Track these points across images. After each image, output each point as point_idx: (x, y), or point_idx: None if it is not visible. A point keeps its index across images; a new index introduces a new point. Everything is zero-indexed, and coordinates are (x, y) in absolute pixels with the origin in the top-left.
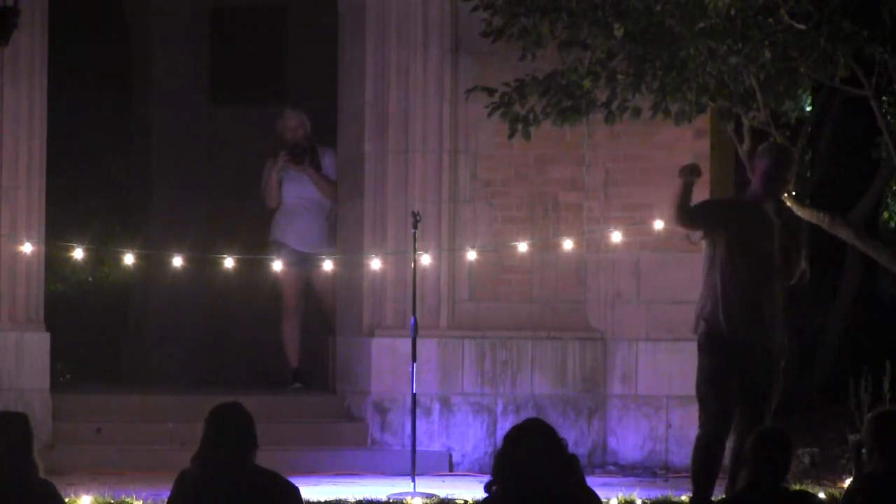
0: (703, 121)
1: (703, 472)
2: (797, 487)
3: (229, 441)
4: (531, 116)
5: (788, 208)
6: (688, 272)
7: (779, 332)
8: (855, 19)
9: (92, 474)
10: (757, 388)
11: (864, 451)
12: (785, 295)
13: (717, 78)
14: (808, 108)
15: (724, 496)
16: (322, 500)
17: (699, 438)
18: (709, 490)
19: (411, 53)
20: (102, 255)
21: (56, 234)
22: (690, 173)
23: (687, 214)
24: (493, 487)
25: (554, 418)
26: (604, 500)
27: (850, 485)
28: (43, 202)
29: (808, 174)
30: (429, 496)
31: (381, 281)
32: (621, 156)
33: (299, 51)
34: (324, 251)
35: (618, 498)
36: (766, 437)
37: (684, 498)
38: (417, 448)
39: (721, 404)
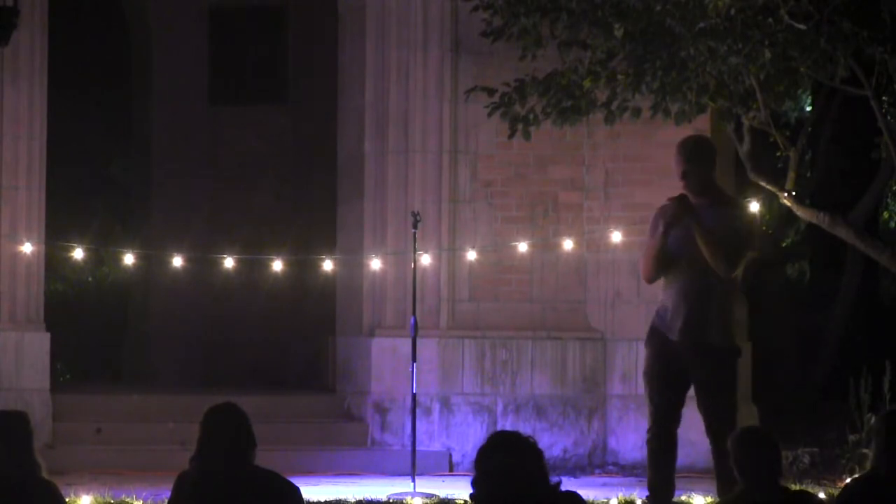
0: (703, 121)
1: (653, 469)
2: (797, 487)
3: (225, 442)
4: (531, 116)
5: (731, 198)
6: None
7: (717, 326)
8: (855, 19)
9: (92, 474)
10: (699, 384)
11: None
12: (785, 295)
13: (717, 78)
14: (808, 108)
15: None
16: (322, 500)
17: (647, 432)
18: (665, 483)
19: (411, 53)
20: (102, 255)
21: (56, 234)
22: (677, 213)
23: (664, 265)
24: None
25: (554, 418)
26: (603, 500)
27: (849, 482)
28: (43, 202)
29: (808, 174)
30: (429, 496)
31: (381, 281)
32: (621, 156)
33: (299, 51)
34: None
35: (618, 498)
36: (747, 438)
37: (684, 498)
38: (417, 448)
39: (660, 397)
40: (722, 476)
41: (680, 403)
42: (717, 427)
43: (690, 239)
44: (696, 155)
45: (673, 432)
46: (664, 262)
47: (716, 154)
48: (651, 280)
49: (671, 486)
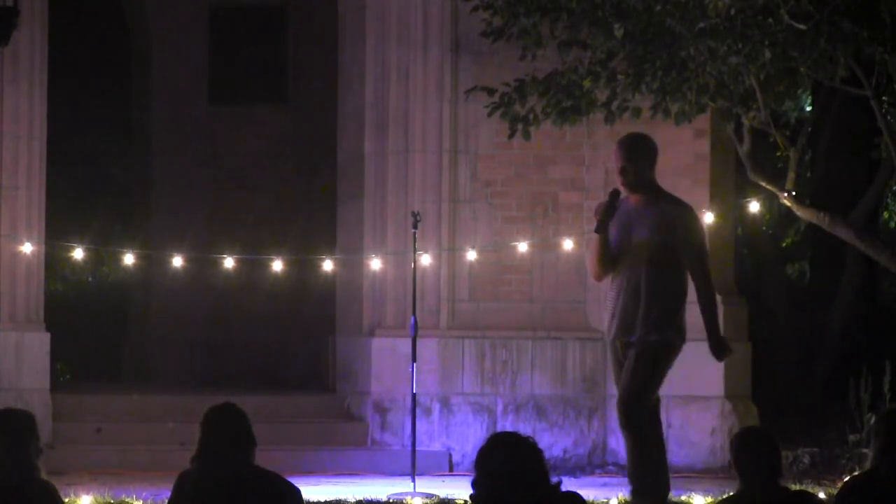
0: (703, 121)
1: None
2: (797, 487)
3: (226, 442)
4: (531, 116)
5: (665, 193)
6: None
7: (646, 322)
8: (855, 19)
9: (92, 474)
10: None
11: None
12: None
13: (717, 78)
14: (808, 108)
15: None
16: (322, 500)
17: None
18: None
19: (411, 53)
20: (102, 255)
21: (56, 234)
22: (608, 209)
23: (612, 261)
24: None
25: (554, 418)
26: (603, 499)
27: (848, 480)
28: (43, 202)
29: (808, 174)
30: (429, 496)
31: (381, 281)
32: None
33: (299, 51)
34: None
35: (618, 498)
36: (747, 438)
37: (684, 498)
38: (417, 448)
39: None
40: (628, 458)
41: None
42: (618, 411)
43: (624, 239)
44: (634, 152)
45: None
46: (608, 259)
47: (656, 153)
48: (599, 278)
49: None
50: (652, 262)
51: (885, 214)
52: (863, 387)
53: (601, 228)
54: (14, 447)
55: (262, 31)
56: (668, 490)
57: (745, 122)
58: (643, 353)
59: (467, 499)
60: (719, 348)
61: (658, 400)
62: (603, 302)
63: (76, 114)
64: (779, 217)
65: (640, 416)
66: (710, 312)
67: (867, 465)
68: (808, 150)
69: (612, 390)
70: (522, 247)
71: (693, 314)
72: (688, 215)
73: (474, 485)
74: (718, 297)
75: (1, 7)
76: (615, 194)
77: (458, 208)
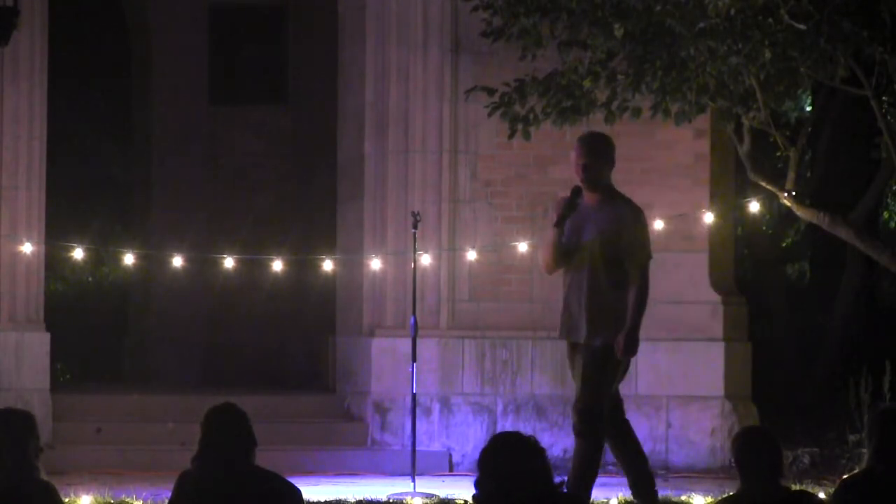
0: (703, 121)
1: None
2: (797, 487)
3: (226, 442)
4: (531, 116)
5: (619, 194)
6: (688, 272)
7: (590, 322)
8: (855, 19)
9: (92, 474)
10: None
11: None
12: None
13: (717, 78)
14: (808, 108)
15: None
16: (322, 500)
17: None
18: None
19: (411, 53)
20: (102, 255)
21: (56, 234)
22: (569, 204)
23: (564, 256)
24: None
25: (554, 418)
26: (603, 499)
27: (845, 478)
28: (43, 202)
29: (808, 174)
30: (429, 496)
31: (381, 281)
32: (621, 156)
33: (299, 51)
34: None
35: (618, 498)
36: (748, 438)
37: (684, 498)
38: (417, 448)
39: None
40: (575, 462)
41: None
42: (573, 416)
43: (574, 237)
44: (596, 151)
45: (616, 422)
46: (561, 253)
47: (614, 153)
48: (550, 271)
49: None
50: (597, 262)
51: (885, 214)
52: (863, 387)
53: (561, 223)
54: (14, 447)
55: (262, 31)
56: (653, 483)
57: (745, 122)
58: (590, 360)
59: (468, 499)
60: (631, 345)
61: (622, 400)
62: None
63: (76, 114)
64: (779, 217)
65: (598, 424)
66: (638, 311)
67: (864, 465)
68: (808, 150)
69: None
70: (522, 247)
71: (693, 314)
72: (636, 218)
73: (477, 485)
74: (718, 297)
75: (1, 7)
76: (578, 191)
77: (458, 208)
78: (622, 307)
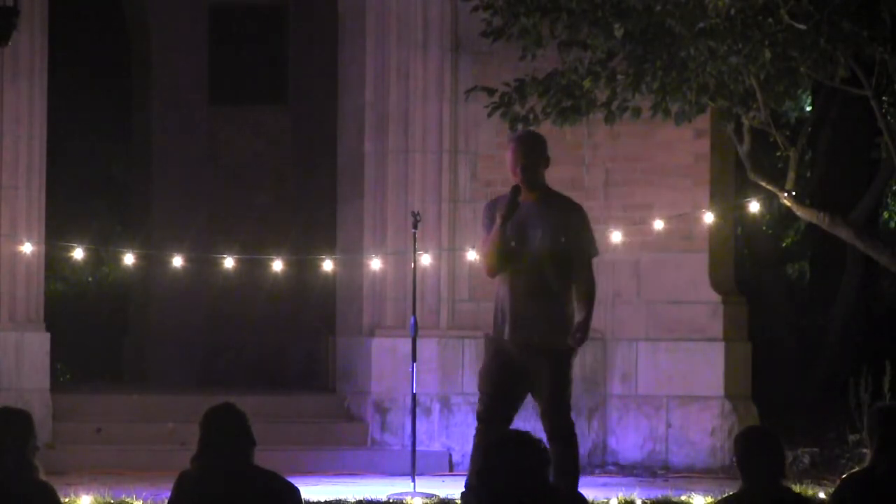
0: (703, 121)
1: (473, 467)
2: (797, 488)
3: (225, 442)
4: (531, 116)
5: (556, 193)
6: (688, 272)
7: (546, 323)
8: (855, 19)
9: (92, 474)
10: (535, 382)
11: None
12: (786, 295)
13: (717, 78)
14: (808, 108)
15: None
16: (322, 500)
17: (475, 428)
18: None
19: (411, 53)
20: (102, 255)
21: (56, 234)
22: (512, 205)
23: (505, 258)
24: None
25: None
26: (603, 499)
27: (844, 477)
28: (43, 202)
29: (808, 174)
30: (429, 496)
31: (381, 281)
32: (621, 156)
33: (299, 51)
34: None
35: (618, 498)
36: (750, 437)
37: (684, 498)
38: (417, 448)
39: (489, 397)
40: (557, 466)
41: (511, 404)
42: (556, 422)
43: (518, 238)
44: (534, 150)
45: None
46: (505, 255)
47: (548, 151)
48: (493, 274)
49: None
50: (545, 263)
51: (885, 214)
52: (863, 387)
53: (504, 225)
54: (12, 447)
55: (262, 31)
56: None
57: (745, 122)
58: (559, 365)
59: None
60: (581, 337)
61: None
62: (602, 302)
63: (76, 114)
64: (779, 217)
65: (573, 425)
66: (588, 310)
67: (866, 464)
68: (808, 150)
69: (613, 390)
70: None
71: (693, 314)
72: (580, 216)
73: (480, 481)
74: (718, 297)
75: (1, 7)
76: (517, 190)
77: (458, 208)
78: (572, 307)
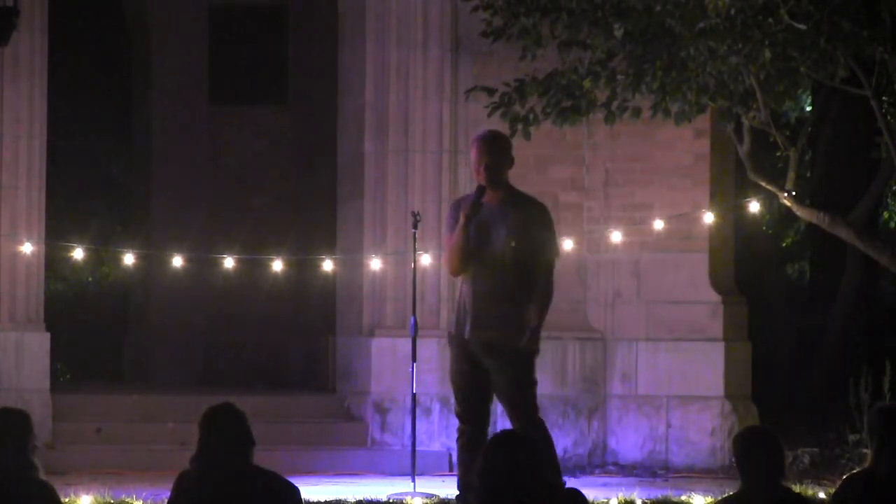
0: (703, 121)
1: (464, 468)
2: (797, 488)
3: (225, 442)
4: (531, 116)
5: (520, 193)
6: (688, 272)
7: (507, 325)
8: (855, 19)
9: (92, 474)
10: (496, 382)
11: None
12: (786, 295)
13: (717, 78)
14: (808, 108)
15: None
16: (322, 500)
17: (457, 430)
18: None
19: (411, 53)
20: (102, 255)
21: (56, 234)
22: (476, 204)
23: (468, 258)
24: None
25: (554, 418)
26: (603, 499)
27: (845, 477)
28: (43, 202)
29: (808, 174)
30: (429, 496)
31: (381, 281)
32: (621, 156)
33: (299, 51)
34: None
35: (618, 498)
36: (750, 437)
37: (684, 498)
38: (417, 448)
39: (465, 398)
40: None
41: (486, 401)
42: (522, 423)
43: (482, 238)
44: (497, 149)
45: (484, 430)
46: (468, 254)
47: (511, 150)
48: (457, 273)
49: None
50: (508, 263)
51: (885, 214)
52: (863, 387)
53: (467, 224)
54: (11, 446)
55: (262, 31)
56: None
57: (745, 122)
58: (518, 367)
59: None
60: (528, 343)
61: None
62: (602, 302)
63: (76, 114)
64: (779, 217)
65: (542, 423)
66: (542, 310)
67: (867, 464)
68: (808, 150)
69: (612, 390)
70: None
71: (693, 314)
72: (543, 216)
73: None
74: (718, 297)
75: (1, 7)
76: (481, 190)
77: None
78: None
